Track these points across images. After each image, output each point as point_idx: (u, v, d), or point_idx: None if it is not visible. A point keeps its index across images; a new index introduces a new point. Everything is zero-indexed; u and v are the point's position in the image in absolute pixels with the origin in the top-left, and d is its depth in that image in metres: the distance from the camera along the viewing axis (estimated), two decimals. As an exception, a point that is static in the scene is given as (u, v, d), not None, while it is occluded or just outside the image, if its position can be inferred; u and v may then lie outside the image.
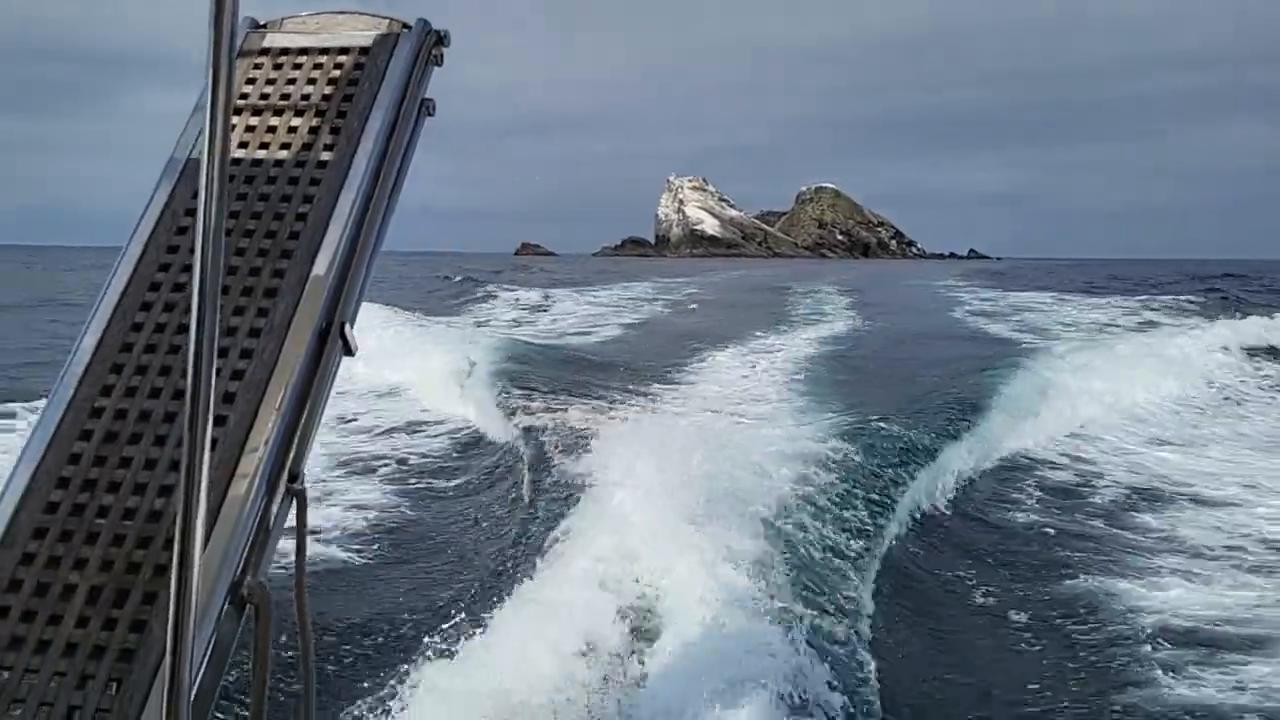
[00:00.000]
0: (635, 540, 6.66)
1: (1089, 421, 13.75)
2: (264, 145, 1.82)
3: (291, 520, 1.58)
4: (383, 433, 12.83)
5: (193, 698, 1.20)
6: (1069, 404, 14.13)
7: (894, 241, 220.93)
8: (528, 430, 11.33)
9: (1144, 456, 12.13)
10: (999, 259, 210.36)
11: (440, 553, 8.21)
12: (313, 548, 7.15)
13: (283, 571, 1.65)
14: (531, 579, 6.36)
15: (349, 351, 1.67)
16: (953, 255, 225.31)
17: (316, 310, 1.64)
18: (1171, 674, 6.01)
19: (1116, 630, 6.69)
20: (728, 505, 7.38)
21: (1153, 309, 32.70)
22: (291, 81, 1.88)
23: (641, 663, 5.50)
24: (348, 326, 1.66)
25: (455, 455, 11.82)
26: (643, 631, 5.82)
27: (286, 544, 1.58)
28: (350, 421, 13.24)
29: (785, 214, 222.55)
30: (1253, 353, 20.33)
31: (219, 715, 1.39)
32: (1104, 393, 14.88)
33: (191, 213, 1.74)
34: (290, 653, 1.63)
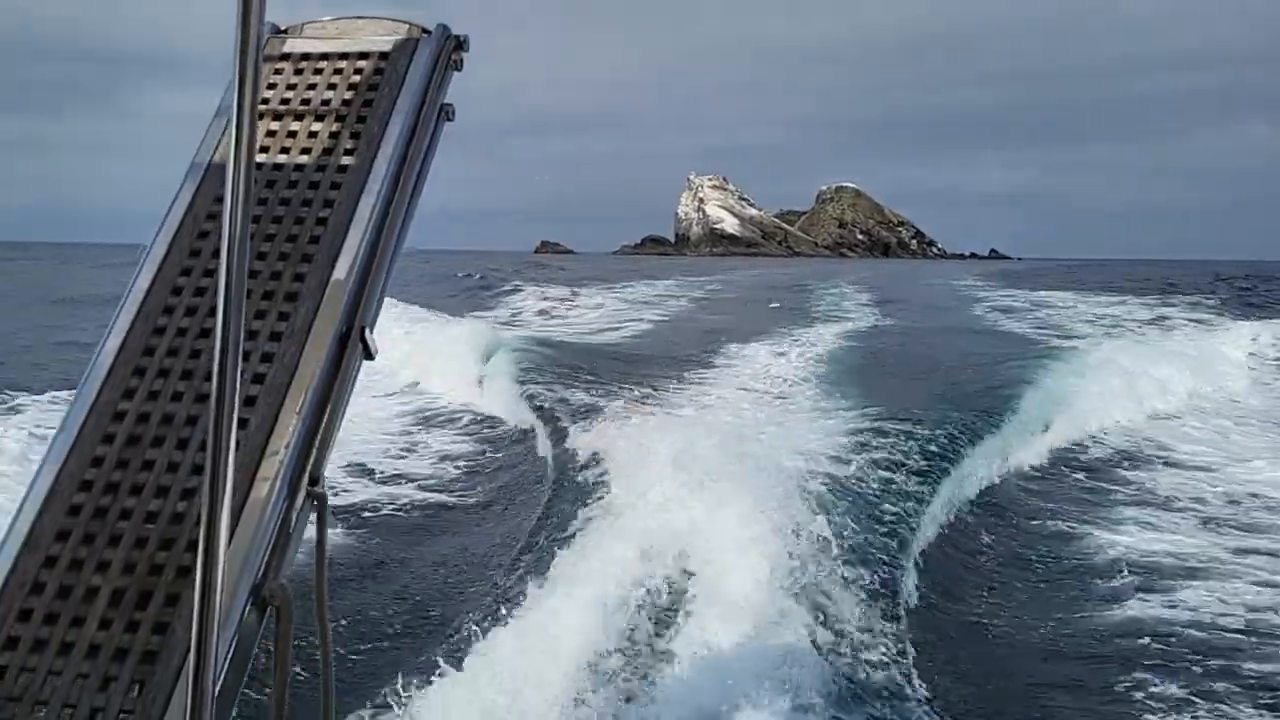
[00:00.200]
0: (665, 533, 6.67)
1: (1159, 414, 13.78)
2: (285, 150, 1.82)
3: (312, 523, 1.58)
4: (409, 425, 12.87)
5: (215, 699, 1.21)
6: (1137, 399, 14.17)
7: (914, 241, 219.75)
8: (553, 423, 11.36)
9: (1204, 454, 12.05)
10: (1019, 259, 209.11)
11: (464, 547, 8.21)
12: (332, 541, 7.17)
13: (302, 570, 1.66)
14: (557, 571, 6.37)
15: (369, 355, 1.67)
16: (973, 255, 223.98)
17: (337, 314, 1.64)
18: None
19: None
20: (760, 497, 7.33)
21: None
22: (312, 86, 1.89)
23: (670, 656, 5.50)
24: (368, 331, 1.67)
25: (476, 449, 11.87)
26: (672, 625, 5.83)
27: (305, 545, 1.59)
28: (377, 413, 13.31)
29: (805, 213, 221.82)
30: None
31: (238, 717, 1.40)
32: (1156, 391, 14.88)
33: (213, 217, 1.75)
34: (311, 653, 1.63)
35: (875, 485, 8.64)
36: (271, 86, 1.89)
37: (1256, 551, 8.31)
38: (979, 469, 10.36)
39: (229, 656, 1.35)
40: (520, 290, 39.85)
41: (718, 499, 7.07)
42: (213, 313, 1.41)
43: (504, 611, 5.96)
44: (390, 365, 15.28)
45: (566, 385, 13.79)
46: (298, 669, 1.55)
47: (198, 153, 1.82)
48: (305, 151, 1.82)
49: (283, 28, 1.97)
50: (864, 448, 9.70)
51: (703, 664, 5.33)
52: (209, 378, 1.12)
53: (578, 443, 10.08)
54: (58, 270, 61.59)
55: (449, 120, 1.94)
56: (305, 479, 1.53)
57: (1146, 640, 6.46)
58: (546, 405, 12.37)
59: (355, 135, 1.83)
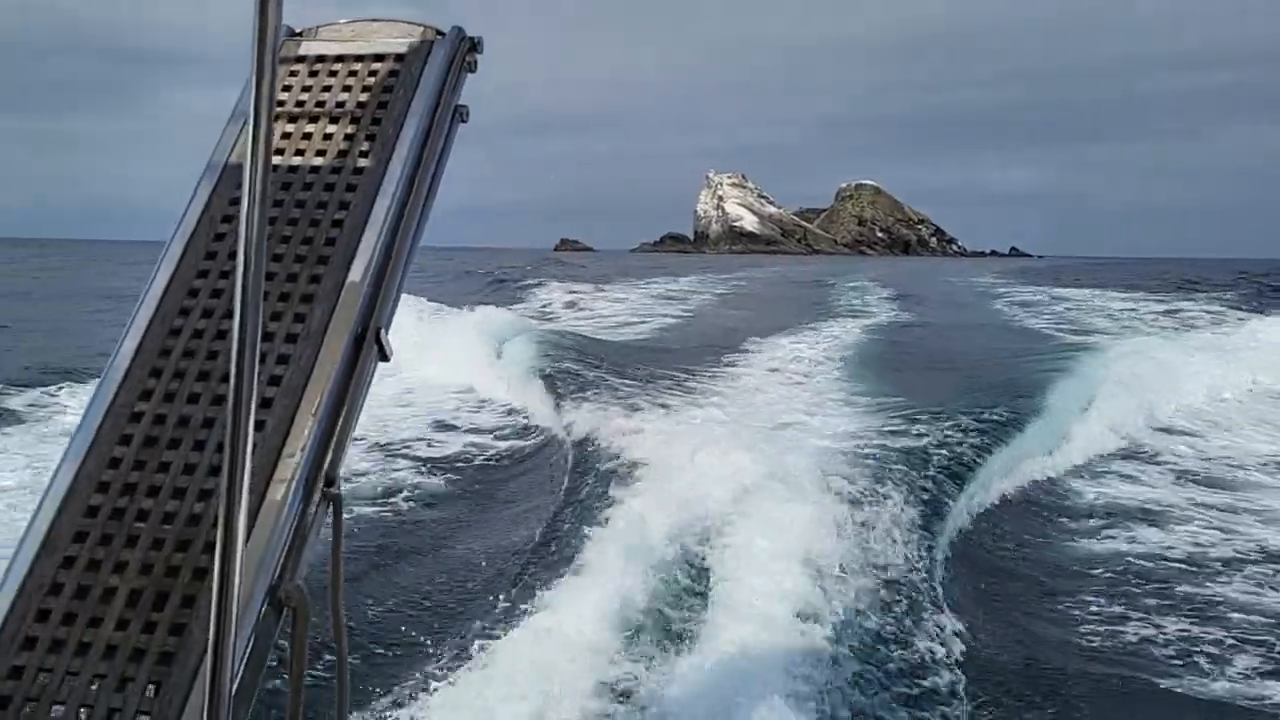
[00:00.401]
0: (688, 526, 6.67)
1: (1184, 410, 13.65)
2: (300, 152, 1.83)
3: (327, 524, 1.59)
4: (429, 423, 12.90)
5: (231, 700, 1.21)
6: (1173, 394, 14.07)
7: (934, 239, 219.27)
8: (574, 418, 11.32)
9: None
10: (1040, 257, 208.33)
11: (479, 542, 8.18)
12: (346, 536, 7.19)
13: (317, 570, 1.67)
14: (575, 566, 6.39)
15: (384, 357, 1.68)
16: (994, 253, 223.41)
17: (352, 316, 1.65)
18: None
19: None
20: (784, 492, 7.32)
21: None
22: (327, 89, 1.90)
23: (691, 652, 5.48)
24: (383, 332, 1.67)
25: (500, 444, 11.84)
26: (692, 620, 5.82)
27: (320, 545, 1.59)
28: (404, 407, 13.35)
29: (824, 211, 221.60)
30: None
31: (254, 717, 1.41)
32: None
33: (228, 219, 1.76)
34: (326, 654, 1.64)
35: (907, 476, 8.54)
36: (287, 88, 1.90)
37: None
38: (1020, 462, 10.22)
39: (245, 657, 1.35)
40: (544, 285, 40.14)
41: (743, 491, 7.05)
42: (229, 314, 1.42)
43: (520, 609, 5.95)
44: (405, 360, 15.29)
45: (590, 378, 13.81)
46: (314, 669, 1.56)
47: (214, 154, 1.83)
48: (321, 153, 1.83)
49: (298, 30, 1.98)
50: (892, 435, 9.64)
51: (724, 661, 5.31)
52: (225, 379, 1.13)
53: (599, 434, 10.07)
54: (86, 266, 62.43)
55: (463, 121, 1.94)
56: (321, 480, 1.54)
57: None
58: (567, 397, 12.36)
59: (370, 137, 1.83)
